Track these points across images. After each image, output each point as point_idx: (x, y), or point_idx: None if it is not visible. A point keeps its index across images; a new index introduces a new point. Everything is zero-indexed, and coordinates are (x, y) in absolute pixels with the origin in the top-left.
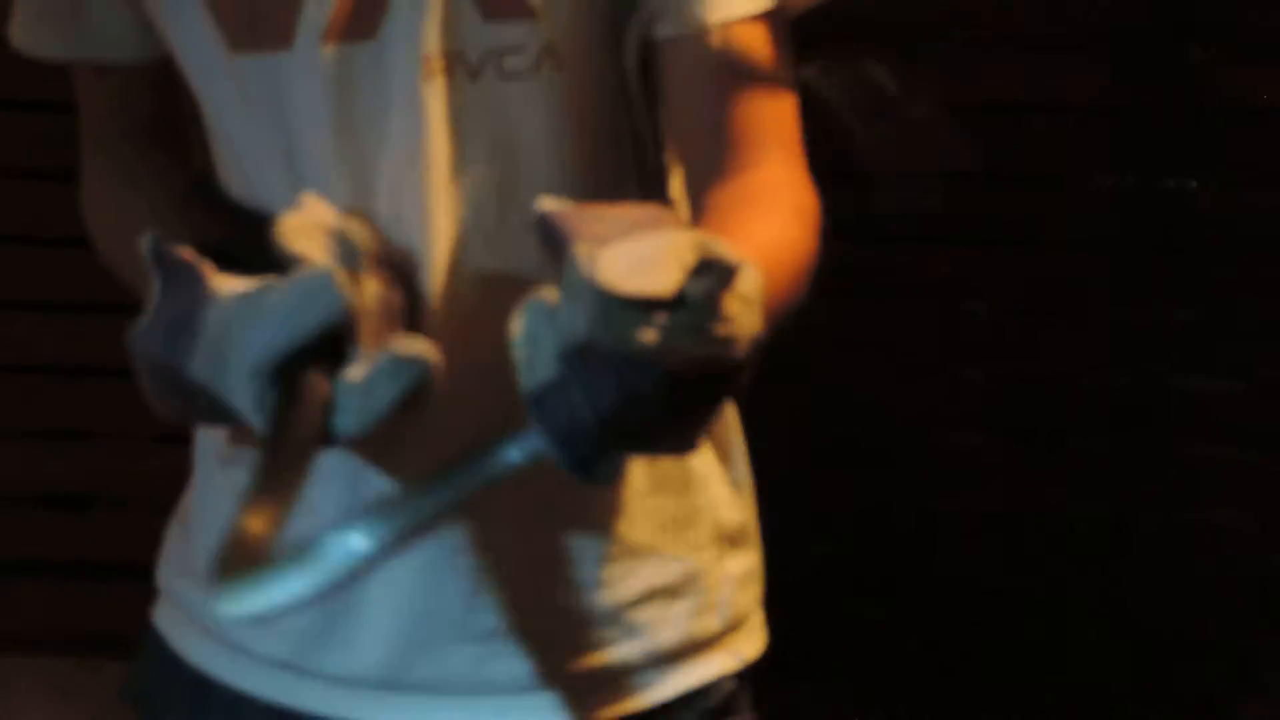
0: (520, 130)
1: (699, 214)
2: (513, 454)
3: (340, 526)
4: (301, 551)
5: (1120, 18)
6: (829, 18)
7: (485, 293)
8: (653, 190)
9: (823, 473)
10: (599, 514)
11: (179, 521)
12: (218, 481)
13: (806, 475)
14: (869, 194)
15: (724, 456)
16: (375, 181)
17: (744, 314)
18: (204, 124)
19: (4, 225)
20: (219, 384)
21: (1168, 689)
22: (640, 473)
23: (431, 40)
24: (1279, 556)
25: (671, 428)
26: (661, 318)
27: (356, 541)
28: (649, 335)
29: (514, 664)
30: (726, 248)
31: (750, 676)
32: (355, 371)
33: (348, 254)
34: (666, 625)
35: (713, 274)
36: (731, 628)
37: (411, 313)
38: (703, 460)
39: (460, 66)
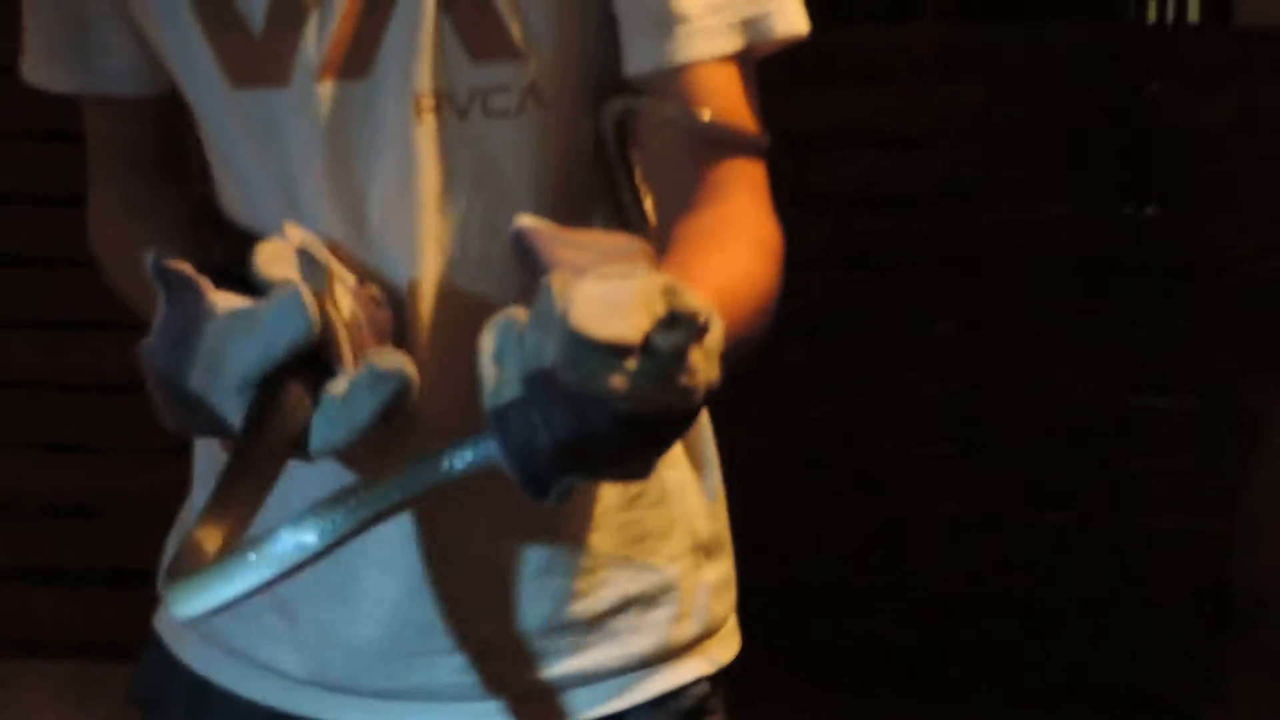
0: (504, 165)
1: (667, 244)
2: (467, 456)
3: (291, 521)
4: (247, 545)
5: (1082, 56)
6: (801, 56)
7: (471, 321)
8: (627, 221)
9: (799, 484)
10: (577, 527)
11: (178, 531)
12: (204, 498)
13: (784, 486)
14: (844, 221)
15: (699, 468)
16: (367, 213)
17: (706, 366)
18: (207, 153)
19: (23, 248)
20: (212, 397)
21: (1126, 687)
22: (617, 487)
23: (422, 79)
24: (1228, 561)
25: (622, 460)
26: (629, 364)
27: (307, 536)
28: (616, 381)
29: (497, 671)
30: (694, 297)
31: (724, 679)
32: (337, 385)
33: (314, 273)
34: (644, 632)
35: (682, 328)
36: (707, 634)
37: (399, 339)
38: (679, 473)
39: (449, 105)
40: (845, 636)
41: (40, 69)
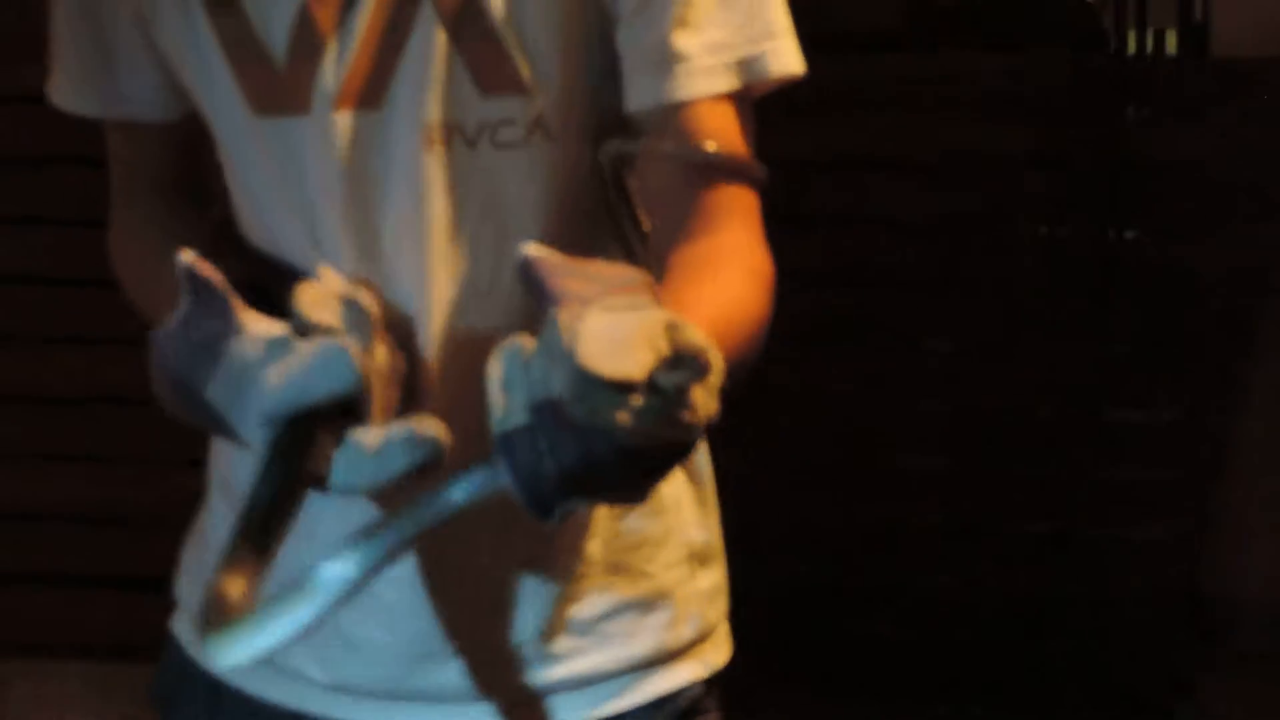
0: (511, 195)
1: (664, 272)
2: (476, 482)
3: (327, 556)
4: (286, 589)
5: (1064, 85)
6: (799, 89)
7: (480, 346)
8: (629, 249)
9: (797, 493)
10: (576, 537)
11: (193, 539)
12: (222, 506)
13: (783, 496)
14: (838, 244)
15: (694, 478)
16: (380, 240)
17: (706, 401)
18: (227, 179)
19: (48, 269)
20: (233, 415)
21: (1106, 689)
22: None
23: (433, 111)
24: (1203, 568)
25: (624, 487)
26: (634, 400)
27: (344, 568)
28: (621, 416)
29: (499, 674)
30: (696, 334)
31: (717, 683)
32: (371, 436)
33: (359, 322)
34: (640, 636)
35: (686, 368)
36: (701, 638)
37: (410, 372)
38: (674, 484)
39: (459, 136)
40: (843, 638)
41: (66, 92)
